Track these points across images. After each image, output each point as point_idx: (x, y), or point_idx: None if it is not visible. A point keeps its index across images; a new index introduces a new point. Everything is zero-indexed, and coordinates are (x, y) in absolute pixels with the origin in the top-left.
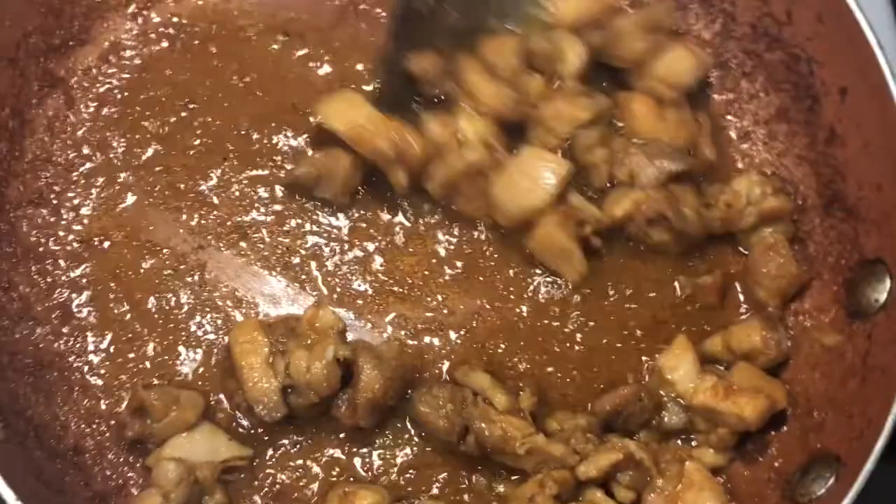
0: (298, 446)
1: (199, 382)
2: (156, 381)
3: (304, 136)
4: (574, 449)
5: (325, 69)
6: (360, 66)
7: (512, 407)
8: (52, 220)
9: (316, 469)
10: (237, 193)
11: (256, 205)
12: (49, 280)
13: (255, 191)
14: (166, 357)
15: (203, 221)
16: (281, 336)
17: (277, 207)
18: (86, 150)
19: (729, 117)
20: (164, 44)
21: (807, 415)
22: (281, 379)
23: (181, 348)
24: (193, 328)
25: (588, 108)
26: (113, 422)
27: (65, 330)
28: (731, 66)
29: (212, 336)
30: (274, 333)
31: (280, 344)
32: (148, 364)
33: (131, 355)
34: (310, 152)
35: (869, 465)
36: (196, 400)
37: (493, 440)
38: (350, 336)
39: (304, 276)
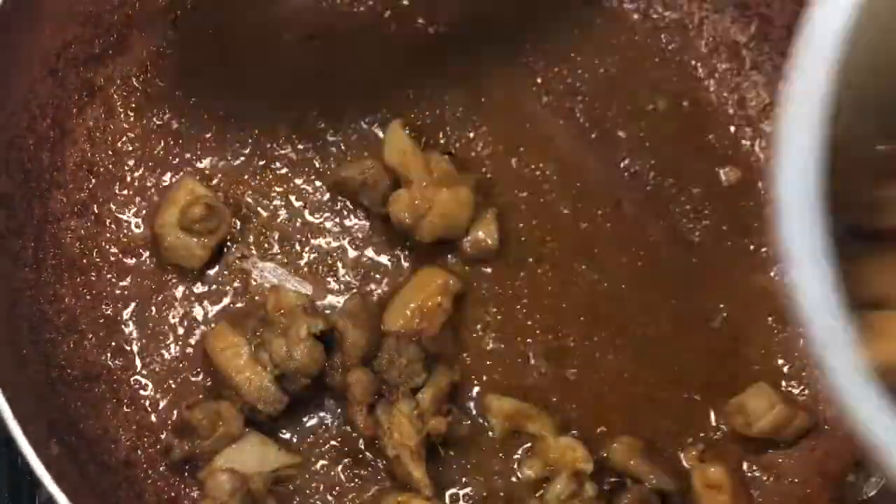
0: (345, 450)
1: None
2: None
3: (341, 139)
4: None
5: (362, 74)
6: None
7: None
8: (96, 230)
9: (365, 475)
10: (279, 200)
11: (299, 211)
12: (94, 292)
13: (296, 197)
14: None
15: (246, 229)
16: (255, 328)
17: (319, 213)
18: (127, 160)
19: (766, 121)
20: (202, 50)
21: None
22: (270, 370)
23: None
24: None
25: None
26: (163, 435)
27: (111, 342)
28: (768, 69)
29: None
30: (247, 328)
31: (257, 337)
32: (192, 375)
33: (178, 366)
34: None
35: None
36: (234, 408)
37: None
38: None
39: (345, 278)
